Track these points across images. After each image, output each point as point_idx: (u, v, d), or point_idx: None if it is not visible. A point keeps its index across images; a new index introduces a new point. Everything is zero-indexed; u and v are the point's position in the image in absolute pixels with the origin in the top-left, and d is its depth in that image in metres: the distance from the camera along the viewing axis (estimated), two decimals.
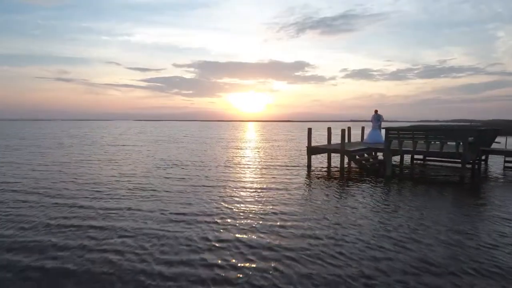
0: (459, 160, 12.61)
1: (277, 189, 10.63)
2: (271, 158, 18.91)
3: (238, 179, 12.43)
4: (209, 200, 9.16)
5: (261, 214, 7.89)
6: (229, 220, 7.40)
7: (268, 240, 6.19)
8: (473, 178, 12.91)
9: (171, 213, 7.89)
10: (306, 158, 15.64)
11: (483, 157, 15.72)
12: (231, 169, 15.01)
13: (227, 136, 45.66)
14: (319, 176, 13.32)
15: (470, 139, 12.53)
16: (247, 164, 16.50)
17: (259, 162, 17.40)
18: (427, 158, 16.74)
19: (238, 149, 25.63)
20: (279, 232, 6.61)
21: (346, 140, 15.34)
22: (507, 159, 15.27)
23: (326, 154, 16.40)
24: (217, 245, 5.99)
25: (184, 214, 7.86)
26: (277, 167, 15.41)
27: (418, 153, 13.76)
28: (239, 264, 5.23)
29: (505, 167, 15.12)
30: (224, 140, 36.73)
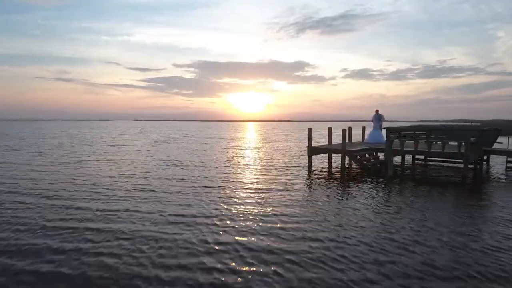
0: (461, 161, 12.51)
1: (278, 190, 10.51)
2: (271, 159, 18.79)
3: (238, 180, 12.31)
4: (209, 201, 9.04)
5: (261, 215, 7.77)
6: (228, 222, 7.28)
7: (268, 243, 6.07)
8: (475, 179, 12.80)
9: (170, 215, 7.77)
10: (307, 158, 15.54)
11: (485, 157, 15.60)
12: (231, 169, 14.89)
13: (227, 136, 45.56)
14: (320, 176, 13.20)
15: (472, 139, 12.43)
16: (247, 165, 16.38)
17: (259, 162, 17.28)
18: (428, 158, 16.64)
19: (238, 149, 25.52)
20: (280, 234, 6.49)
21: (347, 140, 15.22)
22: (509, 159, 15.14)
23: (326, 154, 16.31)
24: (216, 248, 5.87)
25: (183, 215, 7.74)
26: (277, 167, 15.30)
27: (420, 153, 13.67)
28: (238, 268, 5.10)
29: (507, 167, 14.98)
30: (224, 140, 36.63)
